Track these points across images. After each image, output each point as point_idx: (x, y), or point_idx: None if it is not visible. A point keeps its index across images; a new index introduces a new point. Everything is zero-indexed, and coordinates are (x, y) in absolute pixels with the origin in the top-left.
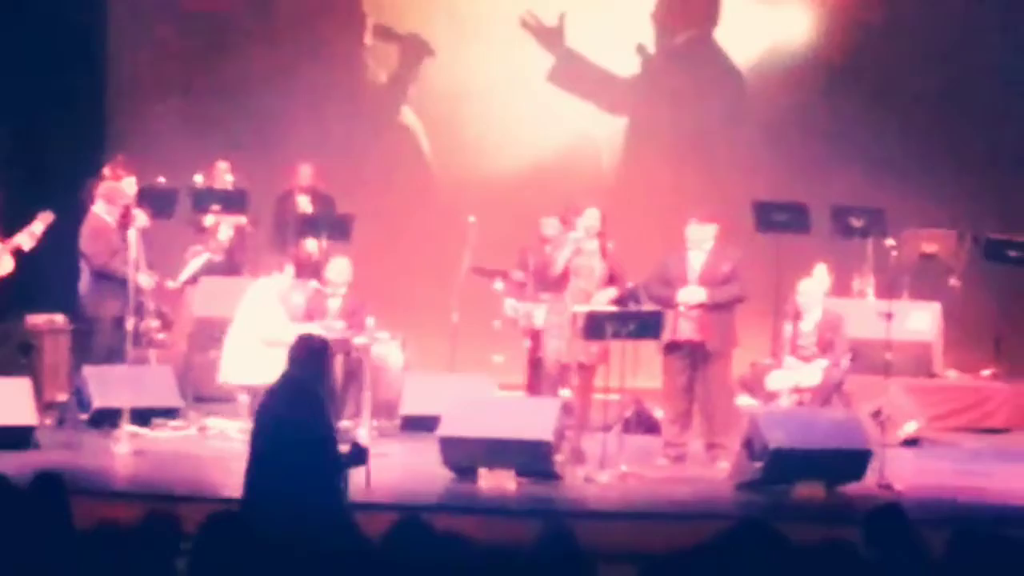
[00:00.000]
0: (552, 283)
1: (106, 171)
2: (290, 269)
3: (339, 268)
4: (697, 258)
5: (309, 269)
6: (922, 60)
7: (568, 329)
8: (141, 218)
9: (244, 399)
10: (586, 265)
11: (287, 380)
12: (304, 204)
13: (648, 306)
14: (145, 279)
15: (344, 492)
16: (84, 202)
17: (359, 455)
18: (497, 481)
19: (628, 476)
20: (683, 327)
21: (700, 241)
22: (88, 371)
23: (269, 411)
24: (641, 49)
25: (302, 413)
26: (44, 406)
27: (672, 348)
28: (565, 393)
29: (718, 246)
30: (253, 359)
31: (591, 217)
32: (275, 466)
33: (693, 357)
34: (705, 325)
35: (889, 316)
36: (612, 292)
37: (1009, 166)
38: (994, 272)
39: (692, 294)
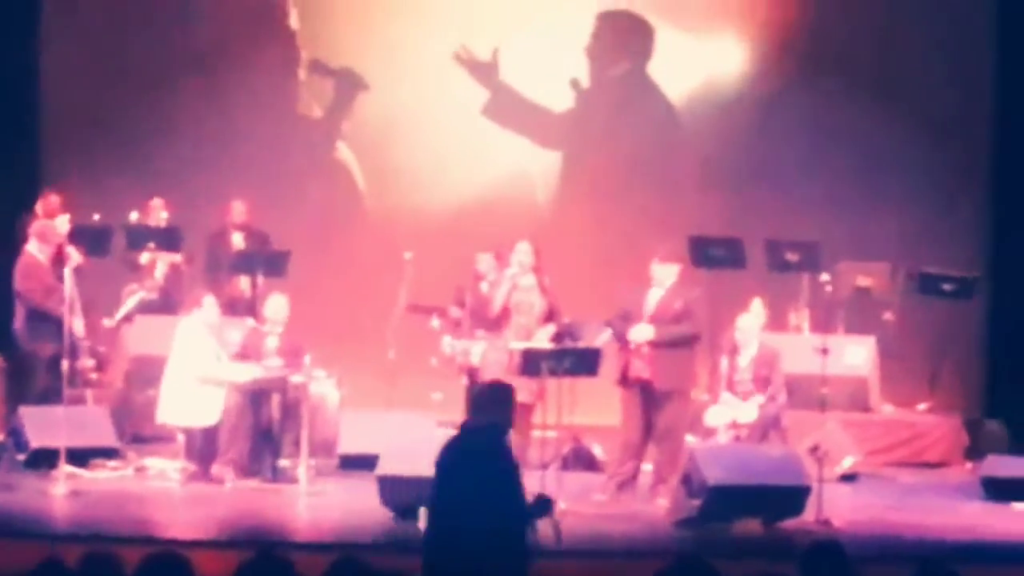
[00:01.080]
0: (490, 321)
1: (38, 208)
2: (210, 301)
3: (276, 306)
4: (655, 295)
5: (244, 306)
6: (855, 91)
7: (507, 366)
8: (75, 256)
9: (182, 439)
10: (526, 301)
11: (471, 428)
12: (238, 241)
13: (584, 342)
14: (77, 323)
15: (530, 543)
16: (18, 240)
17: (545, 505)
18: None
19: (567, 514)
20: (635, 365)
21: (662, 279)
22: (24, 412)
23: (453, 459)
24: (575, 83)
25: (489, 462)
26: None
27: (625, 383)
28: None
29: (676, 284)
30: (189, 400)
31: (522, 251)
32: (461, 517)
33: (645, 395)
34: (653, 363)
35: (825, 351)
36: (551, 329)
37: (943, 199)
38: (929, 306)
39: (640, 332)
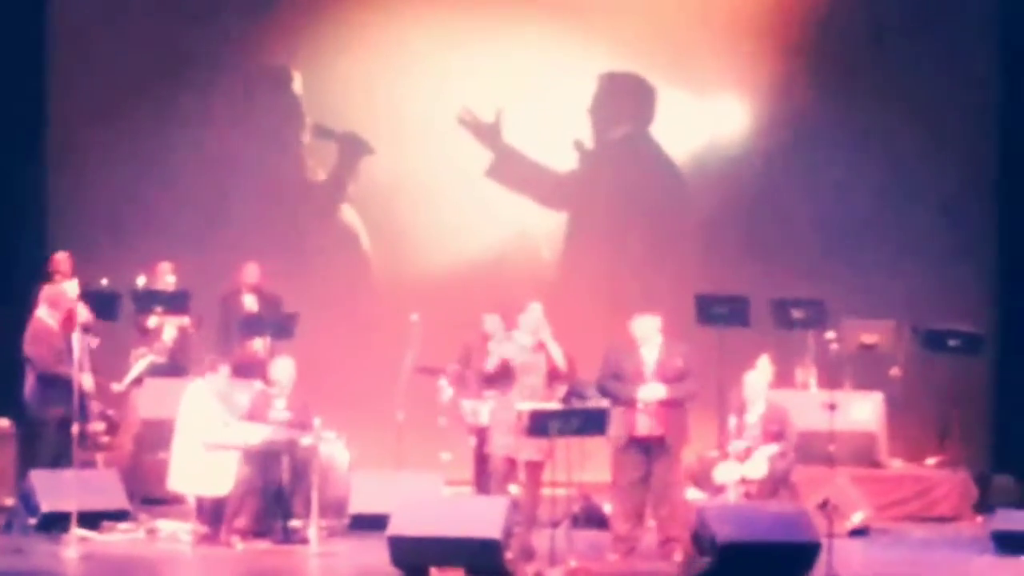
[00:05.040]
0: (498, 381)
1: (51, 268)
2: (225, 369)
3: (283, 368)
4: (650, 353)
5: (255, 369)
6: (858, 147)
7: (515, 425)
8: (83, 312)
9: (192, 501)
10: (533, 362)
11: None
12: (250, 303)
13: (592, 402)
14: (87, 380)
15: None
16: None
17: None
18: None
19: (578, 571)
20: (642, 423)
21: (648, 336)
22: (35, 475)
23: None
24: (578, 144)
25: None
26: None
27: (629, 444)
28: (513, 489)
29: (667, 341)
30: (201, 468)
31: (535, 312)
32: None
33: (649, 453)
34: (664, 420)
35: (832, 407)
36: (563, 390)
37: (949, 253)
38: (936, 361)
39: (653, 391)
